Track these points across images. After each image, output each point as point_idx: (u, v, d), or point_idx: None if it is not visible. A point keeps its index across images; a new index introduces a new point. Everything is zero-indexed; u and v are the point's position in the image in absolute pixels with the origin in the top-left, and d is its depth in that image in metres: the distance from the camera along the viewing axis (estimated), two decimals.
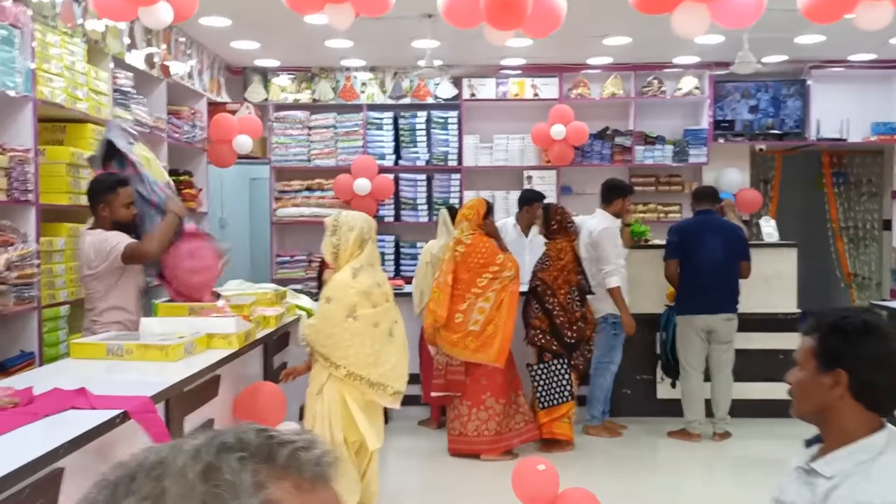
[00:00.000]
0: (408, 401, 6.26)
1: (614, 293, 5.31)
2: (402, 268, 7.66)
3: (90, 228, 3.86)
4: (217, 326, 3.45)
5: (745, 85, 7.73)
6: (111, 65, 5.04)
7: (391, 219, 7.67)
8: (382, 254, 7.51)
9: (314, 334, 3.57)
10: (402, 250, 7.70)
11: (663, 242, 6.37)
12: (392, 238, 7.70)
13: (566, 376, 5.22)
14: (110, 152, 3.97)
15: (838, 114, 7.66)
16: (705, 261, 5.37)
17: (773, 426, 5.34)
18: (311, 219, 7.59)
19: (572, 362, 5.24)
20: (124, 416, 2.32)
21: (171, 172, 5.98)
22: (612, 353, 5.50)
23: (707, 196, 5.63)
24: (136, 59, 5.48)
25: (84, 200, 4.54)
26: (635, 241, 6.29)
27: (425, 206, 7.63)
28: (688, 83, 7.69)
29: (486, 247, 5.19)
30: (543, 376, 5.26)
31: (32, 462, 1.87)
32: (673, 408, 5.98)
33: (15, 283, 3.81)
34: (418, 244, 7.65)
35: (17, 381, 2.61)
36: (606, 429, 5.61)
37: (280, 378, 3.77)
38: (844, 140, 7.72)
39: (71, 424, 2.20)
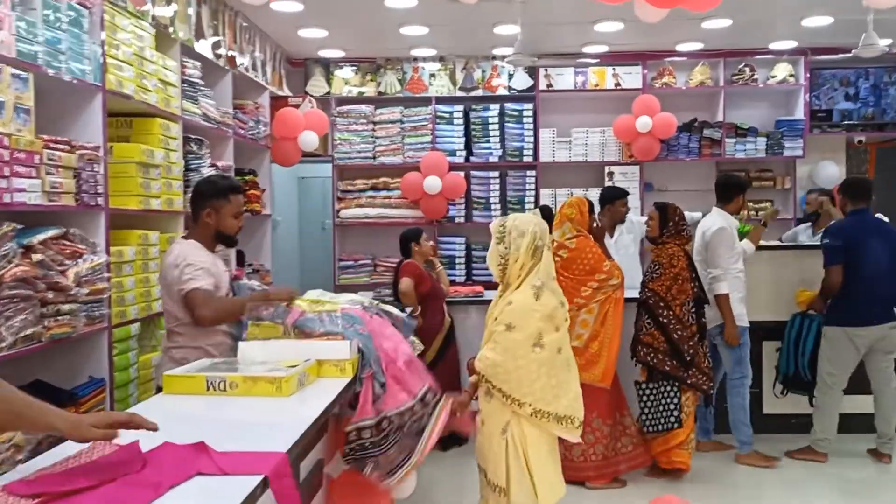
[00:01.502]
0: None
1: (720, 301, 4.77)
2: (473, 272, 7.14)
3: (186, 237, 3.36)
4: (329, 351, 2.95)
5: (843, 72, 7.12)
6: (179, 53, 4.57)
7: (462, 219, 7.17)
8: (452, 257, 7.04)
9: (492, 368, 3.01)
10: (473, 253, 7.18)
11: (771, 243, 5.90)
12: (463, 240, 7.19)
13: (675, 400, 4.65)
14: None
15: None
16: (871, 267, 4.80)
17: None
18: (377, 220, 7.12)
19: (689, 381, 4.67)
20: (264, 484, 1.82)
21: (237, 172, 5.54)
22: (743, 367, 4.93)
23: (865, 193, 5.02)
24: (202, 47, 5.01)
25: (157, 205, 4.09)
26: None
27: (498, 206, 7.12)
28: (782, 70, 7.08)
29: (593, 252, 4.65)
30: (652, 398, 4.70)
31: None
32: (781, 424, 5.50)
33: (85, 300, 3.34)
34: None
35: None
36: (760, 456, 5.00)
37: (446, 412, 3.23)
38: None
39: (204, 498, 1.71)
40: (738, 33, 6.40)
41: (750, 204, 7.25)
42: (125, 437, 1.88)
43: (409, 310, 5.35)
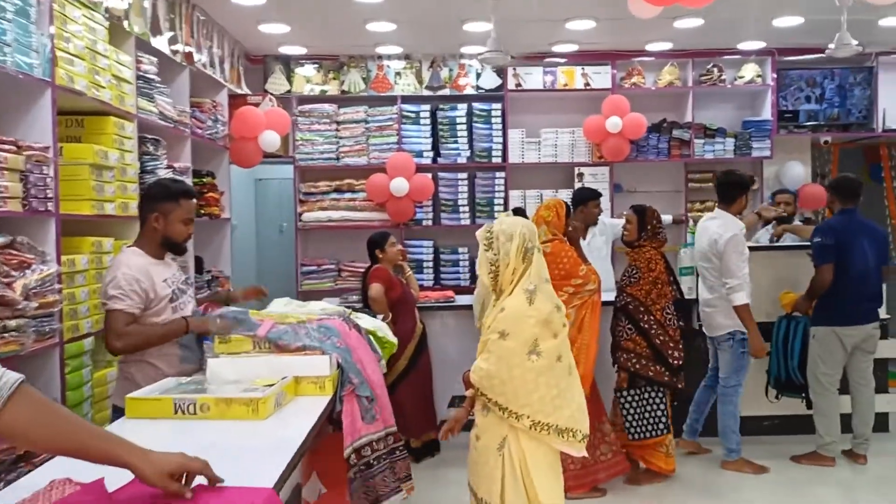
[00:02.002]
0: (465, 425, 5.62)
1: (741, 311, 4.63)
2: (442, 276, 6.94)
3: (132, 245, 3.10)
4: (307, 367, 2.73)
5: (809, 73, 7.12)
6: (134, 47, 4.28)
7: (429, 222, 6.96)
8: (420, 261, 6.84)
9: (486, 380, 2.82)
10: (441, 256, 6.98)
11: (759, 244, 5.83)
12: (430, 243, 6.98)
13: (661, 406, 4.55)
14: None
15: None
16: (859, 266, 4.80)
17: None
18: (341, 223, 6.87)
19: (679, 385, 4.56)
20: None
21: (195, 174, 5.25)
22: (741, 375, 4.83)
23: (854, 193, 4.97)
24: (159, 42, 4.71)
25: (111, 209, 3.80)
26: None
27: (467, 208, 6.93)
28: (749, 71, 7.06)
29: (569, 256, 4.51)
30: (635, 405, 4.58)
31: None
32: (753, 426, 5.45)
33: (35, 314, 3.05)
34: (460, 250, 6.97)
35: (68, 466, 1.81)
36: (748, 463, 4.90)
37: (442, 435, 3.03)
38: None
39: None
40: (707, 33, 6.34)
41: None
42: (90, 472, 1.64)
43: (380, 317, 5.15)
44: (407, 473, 2.99)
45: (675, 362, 4.50)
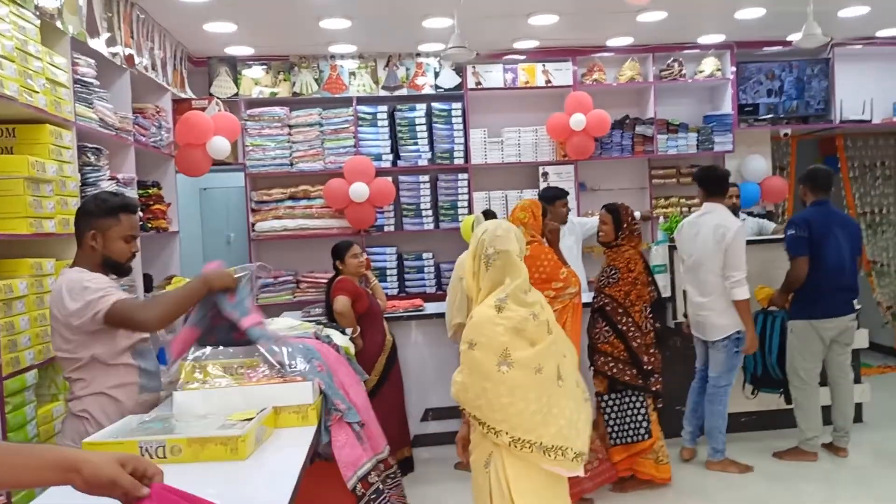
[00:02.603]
0: (440, 438, 5.38)
1: (742, 306, 4.52)
2: (406, 284, 6.66)
3: (73, 267, 2.74)
4: (287, 396, 2.43)
5: (768, 66, 7.09)
6: (69, 49, 3.89)
7: (391, 228, 6.67)
8: (383, 269, 6.55)
9: (462, 392, 2.64)
10: (405, 263, 6.70)
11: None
12: (394, 250, 6.70)
13: (642, 410, 4.38)
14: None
15: (862, 94, 7.13)
16: (833, 258, 4.71)
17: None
18: (297, 232, 6.52)
19: (653, 388, 4.39)
20: None
21: (139, 185, 4.87)
22: (732, 374, 4.70)
23: (827, 184, 4.89)
24: (96, 43, 4.33)
25: (51, 226, 3.42)
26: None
27: (430, 212, 6.66)
28: (709, 65, 6.98)
29: (548, 258, 4.29)
30: (616, 410, 4.41)
31: None
32: (748, 423, 5.42)
33: None
34: (424, 256, 6.70)
35: None
36: (733, 463, 4.77)
37: (462, 458, 2.83)
38: (868, 122, 7.18)
39: None
40: (667, 28, 6.23)
41: (682, 200, 7.15)
42: None
43: (348, 331, 4.85)
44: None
45: (647, 366, 4.34)
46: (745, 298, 4.50)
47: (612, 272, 4.44)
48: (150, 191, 5.09)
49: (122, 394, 2.66)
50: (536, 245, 4.31)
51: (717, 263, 4.57)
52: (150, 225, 5.03)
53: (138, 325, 2.59)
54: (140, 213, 4.87)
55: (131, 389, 2.69)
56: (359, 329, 4.77)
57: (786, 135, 7.39)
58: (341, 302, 4.74)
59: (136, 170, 4.77)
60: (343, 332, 4.41)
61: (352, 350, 3.54)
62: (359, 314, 4.82)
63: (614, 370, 4.36)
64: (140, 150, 4.93)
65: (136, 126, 4.87)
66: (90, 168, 4.04)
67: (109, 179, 4.31)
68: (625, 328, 4.32)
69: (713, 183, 4.79)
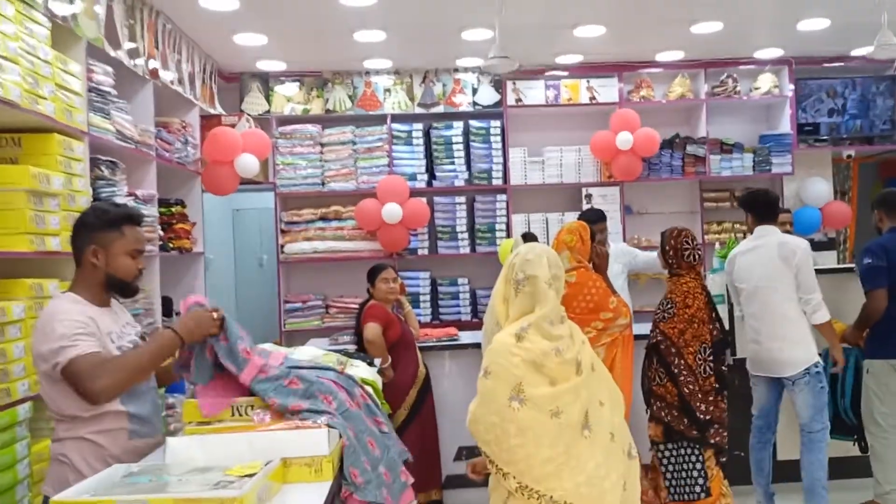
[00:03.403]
0: (474, 481, 4.98)
1: (826, 328, 4.11)
2: (440, 311, 6.31)
3: (68, 291, 2.41)
4: (298, 445, 2.08)
5: (829, 83, 6.64)
6: (85, 55, 3.65)
7: (425, 251, 6.35)
8: (416, 294, 6.22)
9: (473, 424, 2.34)
10: (439, 289, 6.36)
11: None
12: (427, 275, 6.36)
13: (697, 466, 3.88)
14: None
15: None
16: None
17: None
18: (327, 255, 6.23)
19: (711, 440, 3.90)
20: None
21: (161, 203, 4.62)
22: (825, 414, 4.18)
23: None
24: (118, 52, 4.09)
25: (55, 245, 3.15)
26: None
27: (466, 235, 6.33)
28: (766, 81, 6.56)
29: (597, 286, 3.90)
30: (673, 461, 3.93)
31: None
32: (796, 470, 4.82)
33: None
34: (459, 281, 6.35)
35: None
36: None
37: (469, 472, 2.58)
38: None
39: None
40: (721, 41, 5.84)
41: (736, 226, 6.70)
42: None
43: (377, 362, 4.51)
44: None
45: (704, 416, 3.85)
46: (827, 320, 4.09)
47: (668, 305, 3.99)
48: (172, 209, 4.84)
49: (106, 440, 2.28)
50: (583, 271, 3.93)
51: (787, 286, 4.10)
52: (171, 245, 4.77)
53: (86, 395, 2.19)
54: (161, 233, 4.62)
55: (119, 435, 2.31)
56: (389, 359, 4.43)
57: (849, 156, 6.91)
58: (372, 329, 4.40)
59: (157, 187, 4.52)
60: (371, 363, 4.07)
61: (379, 384, 3.23)
62: (390, 343, 4.48)
63: (668, 418, 3.90)
64: (163, 166, 4.69)
65: (159, 140, 4.63)
66: (104, 182, 3.78)
67: (127, 195, 4.06)
68: (676, 371, 3.86)
69: (763, 207, 4.36)
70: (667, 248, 4.05)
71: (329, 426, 2.16)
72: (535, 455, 2.21)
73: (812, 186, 6.67)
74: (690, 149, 6.49)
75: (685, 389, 3.85)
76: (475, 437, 2.36)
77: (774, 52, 6.35)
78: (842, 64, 6.61)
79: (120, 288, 2.42)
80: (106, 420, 2.27)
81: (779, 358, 4.17)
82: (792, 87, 6.55)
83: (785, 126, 6.62)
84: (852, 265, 4.99)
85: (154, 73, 4.59)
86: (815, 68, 6.64)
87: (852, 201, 7.31)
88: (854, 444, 4.58)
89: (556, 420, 2.24)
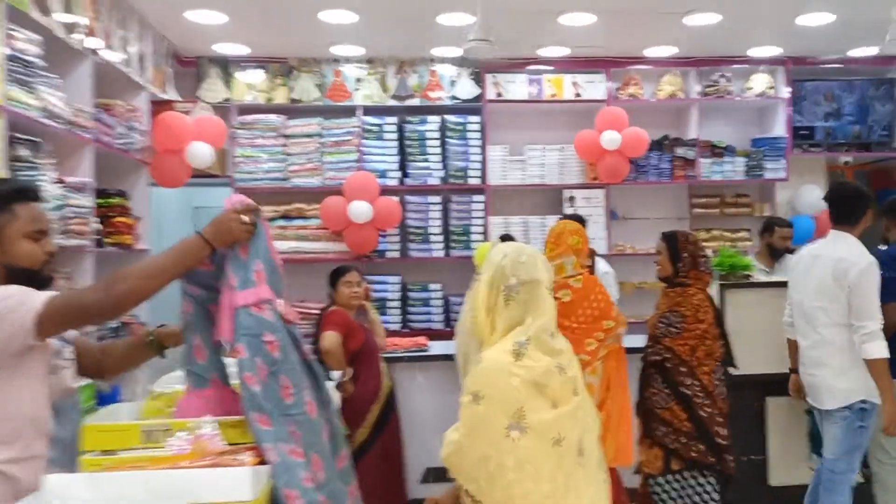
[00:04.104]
0: None
1: (877, 367, 3.47)
2: (410, 318, 5.89)
3: None
4: (212, 488, 1.63)
5: (826, 85, 6.32)
6: (4, 17, 3.18)
7: (396, 254, 5.93)
8: (384, 300, 5.81)
9: (456, 456, 2.04)
10: (410, 295, 5.94)
11: (781, 279, 4.97)
12: (397, 279, 5.93)
13: (714, 496, 3.45)
14: None
15: None
16: None
17: None
18: (289, 256, 5.78)
19: (730, 466, 3.49)
20: None
21: (100, 193, 4.14)
22: (855, 458, 3.68)
23: None
24: (48, 20, 3.62)
25: None
26: (737, 276, 4.74)
27: (440, 237, 5.93)
28: (760, 82, 6.22)
29: (602, 292, 3.52)
30: (676, 497, 3.48)
31: None
32: (791, 498, 4.42)
33: None
34: (431, 286, 5.93)
35: None
36: None
37: None
38: None
39: None
40: (716, 35, 5.48)
41: (726, 234, 6.34)
42: None
43: (336, 374, 4.07)
44: None
45: (722, 441, 3.44)
46: (882, 357, 3.46)
47: (677, 319, 3.53)
48: (111, 200, 4.35)
49: (22, 470, 1.85)
50: (587, 275, 3.54)
51: (837, 308, 3.58)
52: (108, 240, 4.29)
53: (96, 311, 1.84)
54: (97, 226, 4.14)
55: (35, 465, 1.88)
56: (350, 371, 3.99)
57: (846, 163, 6.60)
58: (329, 339, 3.96)
59: (95, 175, 4.05)
60: (328, 377, 3.62)
61: (335, 402, 2.81)
62: (351, 353, 4.05)
63: (677, 444, 3.46)
64: (104, 153, 4.22)
65: (99, 123, 4.15)
66: (25, 165, 3.30)
67: (55, 182, 3.59)
68: (690, 393, 3.43)
69: (842, 205, 3.76)
70: (684, 254, 3.60)
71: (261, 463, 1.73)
72: (533, 491, 1.93)
73: (806, 194, 6.33)
74: (680, 151, 6.14)
75: (701, 413, 3.41)
76: (455, 473, 2.05)
77: (771, 51, 6.02)
78: (839, 66, 6.30)
79: (27, 278, 1.96)
80: (21, 441, 1.81)
81: (819, 386, 3.68)
82: (788, 88, 6.22)
83: (779, 129, 6.29)
84: None
85: (99, 51, 4.12)
86: (812, 69, 6.33)
87: None
88: (865, 479, 4.17)
89: (558, 448, 1.97)
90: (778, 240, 5.12)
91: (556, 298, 3.39)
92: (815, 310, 3.66)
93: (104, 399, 3.84)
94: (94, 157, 4.02)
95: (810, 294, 3.71)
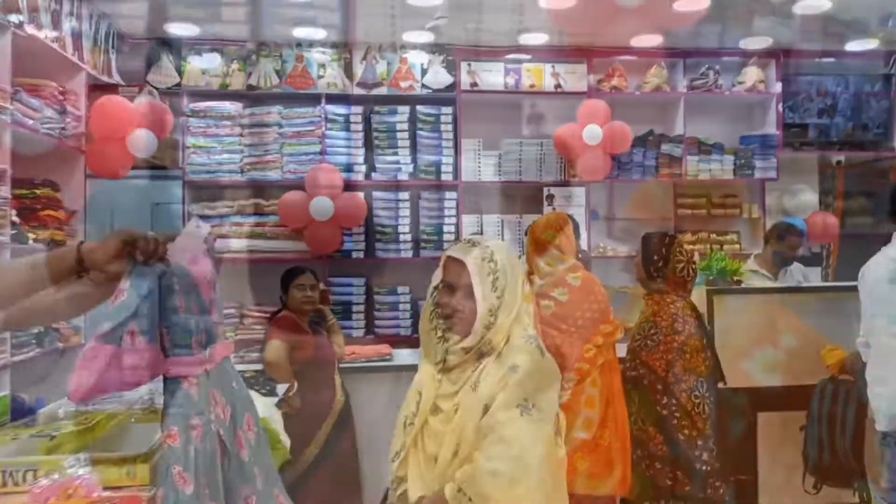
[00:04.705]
0: None
1: None
2: (376, 324, 5.50)
3: None
4: None
5: (819, 80, 5.99)
6: None
7: (360, 254, 5.53)
8: (348, 304, 5.48)
9: (508, 490, 1.76)
10: (376, 298, 5.55)
11: (775, 285, 4.69)
12: (362, 281, 5.54)
13: None
14: None
15: None
16: None
17: None
18: (244, 256, 5.40)
19: (707, 492, 3.14)
20: None
21: (17, 183, 3.72)
22: None
23: None
24: None
25: None
26: (727, 281, 4.43)
27: (408, 236, 5.54)
28: (750, 75, 5.88)
29: (602, 293, 3.21)
30: None
31: None
32: None
33: None
34: (399, 290, 5.55)
35: None
36: None
37: None
38: None
39: None
40: (706, 23, 5.15)
41: (713, 236, 5.99)
42: None
43: (281, 389, 3.66)
44: None
45: (704, 467, 3.08)
46: None
47: (651, 330, 3.21)
48: (37, 191, 3.92)
49: None
50: (585, 275, 3.21)
51: (892, 314, 3.15)
52: (34, 236, 3.85)
53: None
54: (15, 219, 3.71)
55: None
56: (295, 385, 3.60)
57: (838, 163, 6.27)
58: (273, 349, 3.60)
59: (13, 162, 3.62)
60: (265, 392, 3.24)
61: (274, 423, 2.49)
62: (300, 364, 3.67)
63: (650, 470, 3.12)
64: (26, 136, 3.78)
65: (18, 104, 3.71)
66: None
67: None
68: (666, 413, 3.08)
69: None
70: (655, 257, 3.30)
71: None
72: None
73: (799, 195, 6.00)
74: (665, 148, 5.79)
75: (679, 435, 3.09)
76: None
77: (762, 42, 5.68)
78: (834, 60, 5.99)
79: None
80: None
81: (877, 405, 3.25)
82: (779, 83, 5.88)
83: (770, 126, 5.95)
84: (844, 283, 4.28)
85: (21, 25, 3.69)
86: (805, 63, 6.00)
87: (837, 211, 6.66)
88: (854, 494, 3.95)
89: (559, 439, 1.91)
90: (787, 248, 4.83)
91: (551, 298, 3.06)
92: (874, 317, 3.20)
93: (19, 412, 3.41)
94: (9, 142, 3.59)
95: (869, 299, 3.20)
